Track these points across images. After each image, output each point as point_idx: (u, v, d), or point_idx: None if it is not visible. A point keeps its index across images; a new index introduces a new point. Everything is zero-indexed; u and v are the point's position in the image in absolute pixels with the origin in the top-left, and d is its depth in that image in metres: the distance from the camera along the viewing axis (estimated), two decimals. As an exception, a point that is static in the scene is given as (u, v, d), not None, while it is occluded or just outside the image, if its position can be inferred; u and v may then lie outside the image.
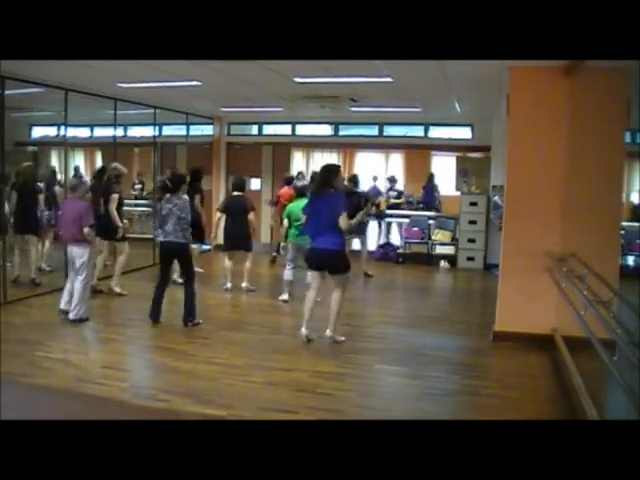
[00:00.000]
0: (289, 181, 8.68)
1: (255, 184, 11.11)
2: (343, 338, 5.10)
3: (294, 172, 9.98)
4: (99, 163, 11.54)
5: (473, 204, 9.17)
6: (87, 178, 9.35)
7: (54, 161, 10.37)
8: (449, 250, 9.74)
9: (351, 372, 4.40)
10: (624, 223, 7.06)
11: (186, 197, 5.59)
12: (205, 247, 7.46)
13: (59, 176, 8.35)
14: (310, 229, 5.08)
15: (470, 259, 9.21)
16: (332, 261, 4.93)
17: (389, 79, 6.08)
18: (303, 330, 5.05)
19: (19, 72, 5.88)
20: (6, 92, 6.03)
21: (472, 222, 9.13)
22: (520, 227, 5.09)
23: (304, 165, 12.75)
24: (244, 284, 7.02)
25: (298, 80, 6.36)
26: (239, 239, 6.80)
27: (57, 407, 3.65)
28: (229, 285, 7.05)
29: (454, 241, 9.50)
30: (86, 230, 5.37)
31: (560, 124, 4.88)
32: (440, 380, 4.31)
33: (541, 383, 4.29)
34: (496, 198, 8.67)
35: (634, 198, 9.22)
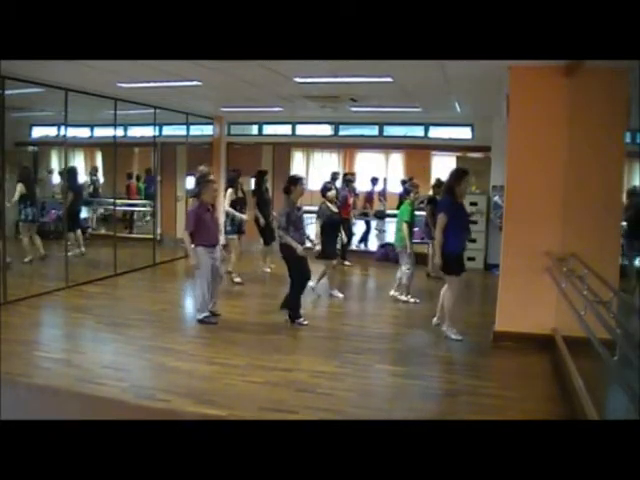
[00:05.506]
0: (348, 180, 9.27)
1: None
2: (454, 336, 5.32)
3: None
4: (99, 163, 11.58)
5: (473, 204, 9.16)
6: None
7: (54, 161, 10.40)
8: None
9: (351, 372, 4.40)
10: (624, 223, 7.05)
11: (287, 200, 5.75)
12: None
13: (57, 177, 8.45)
14: None
15: (470, 259, 9.18)
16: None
17: (389, 79, 6.08)
18: (434, 320, 5.72)
19: (19, 72, 5.88)
20: (6, 92, 6.03)
21: (472, 222, 9.12)
22: (520, 227, 5.08)
23: (304, 165, 12.73)
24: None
25: (298, 80, 6.35)
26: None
27: (57, 407, 3.66)
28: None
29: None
30: (183, 233, 5.60)
31: (560, 124, 4.88)
32: (440, 380, 4.31)
33: (541, 383, 4.29)
34: (496, 198, 8.66)
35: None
